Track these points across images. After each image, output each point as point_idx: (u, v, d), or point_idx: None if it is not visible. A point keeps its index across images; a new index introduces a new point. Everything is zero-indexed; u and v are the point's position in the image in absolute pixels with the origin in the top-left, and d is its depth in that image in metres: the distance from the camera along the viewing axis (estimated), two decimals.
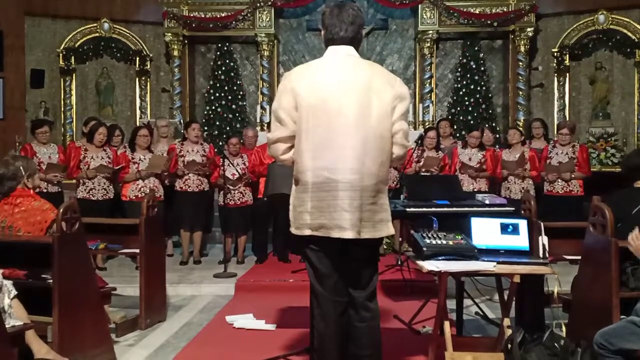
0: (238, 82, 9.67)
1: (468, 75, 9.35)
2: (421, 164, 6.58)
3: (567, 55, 9.17)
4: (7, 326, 2.91)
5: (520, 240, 3.38)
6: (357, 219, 2.57)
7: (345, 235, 2.57)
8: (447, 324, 3.24)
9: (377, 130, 2.62)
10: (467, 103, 9.29)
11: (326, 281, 2.69)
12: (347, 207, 2.56)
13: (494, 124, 8.93)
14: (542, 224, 3.49)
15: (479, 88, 9.31)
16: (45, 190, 5.95)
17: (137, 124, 9.24)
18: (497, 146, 7.32)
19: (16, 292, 3.15)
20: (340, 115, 2.59)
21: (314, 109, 2.60)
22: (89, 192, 6.12)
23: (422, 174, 6.52)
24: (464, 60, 9.45)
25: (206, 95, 9.71)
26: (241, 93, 9.68)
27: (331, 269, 2.69)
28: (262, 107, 9.46)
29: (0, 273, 3.17)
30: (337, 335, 2.69)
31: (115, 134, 6.73)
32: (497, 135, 7.00)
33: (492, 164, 6.69)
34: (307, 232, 2.64)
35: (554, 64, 9.25)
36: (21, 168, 3.72)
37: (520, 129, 7.67)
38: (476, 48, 9.45)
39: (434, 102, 9.40)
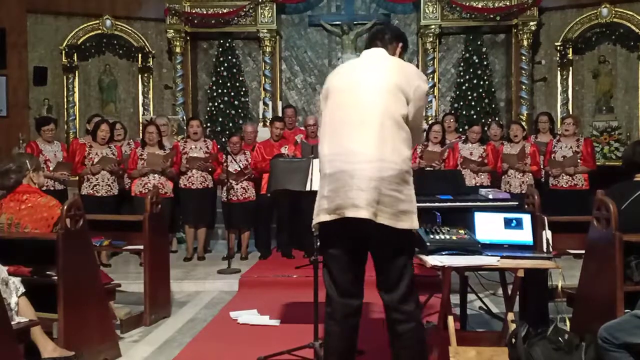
0: (240, 79, 9.67)
1: (471, 70, 9.33)
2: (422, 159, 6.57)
3: (570, 49, 9.15)
4: (13, 323, 2.93)
5: (524, 235, 3.38)
6: (373, 199, 2.46)
7: (359, 214, 2.45)
8: (450, 319, 3.24)
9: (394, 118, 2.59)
10: (470, 98, 9.27)
11: (339, 280, 2.63)
12: (364, 187, 2.47)
13: (496, 118, 8.91)
14: (545, 218, 3.48)
15: (481, 82, 9.29)
16: (52, 188, 5.98)
17: (140, 121, 9.28)
18: (504, 142, 7.26)
19: (24, 290, 3.17)
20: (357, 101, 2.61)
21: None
22: (93, 188, 6.14)
23: (426, 169, 6.51)
24: (467, 55, 9.43)
25: (208, 91, 9.71)
26: (243, 89, 9.68)
27: (346, 266, 2.62)
28: (265, 103, 9.47)
29: (5, 270, 3.18)
30: (343, 337, 2.66)
31: (117, 127, 6.75)
32: (503, 130, 6.96)
33: (493, 158, 6.68)
34: (323, 218, 2.56)
35: (557, 58, 9.23)
36: (27, 162, 3.74)
37: (523, 124, 7.65)
38: (479, 42, 9.43)
39: (436, 97, 9.39)
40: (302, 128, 7.70)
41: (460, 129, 8.28)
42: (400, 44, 2.81)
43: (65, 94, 9.54)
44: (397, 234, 2.54)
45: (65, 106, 9.55)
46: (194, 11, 9.30)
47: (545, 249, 3.36)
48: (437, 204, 3.96)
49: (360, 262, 2.68)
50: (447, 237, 3.14)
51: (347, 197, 2.49)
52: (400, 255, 2.61)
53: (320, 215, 2.58)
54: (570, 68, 9.23)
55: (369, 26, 9.93)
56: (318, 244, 3.82)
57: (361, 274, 2.69)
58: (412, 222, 2.56)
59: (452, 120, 7.53)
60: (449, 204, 4.04)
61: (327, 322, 2.69)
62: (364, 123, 2.54)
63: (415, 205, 2.60)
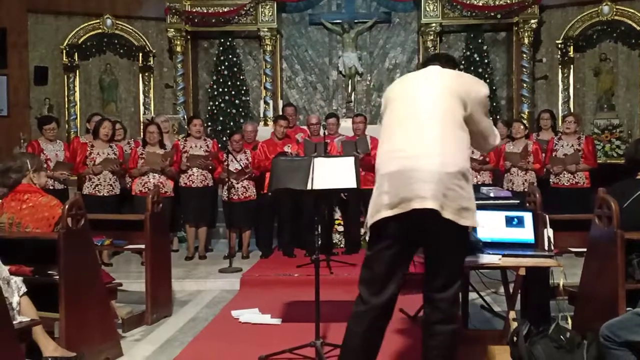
0: (241, 77, 9.66)
1: (472, 68, 9.30)
2: None
3: (572, 47, 9.14)
4: (14, 322, 2.93)
5: (526, 233, 3.38)
6: (439, 191, 2.43)
7: (426, 204, 2.42)
8: None
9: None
10: None
11: (381, 280, 2.57)
12: (428, 179, 2.44)
13: (497, 117, 8.90)
14: (547, 216, 3.48)
15: (482, 81, 9.26)
16: (51, 187, 5.97)
17: (141, 120, 9.28)
18: (509, 140, 7.23)
19: (26, 290, 3.17)
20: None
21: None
22: (95, 187, 6.14)
23: None
24: (468, 53, 9.41)
25: (209, 90, 9.71)
26: (244, 88, 9.68)
27: (394, 264, 2.57)
28: (265, 102, 9.47)
29: (7, 269, 3.19)
30: (366, 338, 2.62)
31: (116, 127, 6.76)
32: (508, 129, 6.92)
33: (495, 156, 6.67)
34: (385, 214, 2.50)
35: (558, 56, 9.22)
36: (28, 162, 3.73)
37: (525, 122, 7.64)
38: (480, 40, 9.41)
39: None
40: (303, 127, 7.71)
41: None
42: (456, 69, 2.93)
43: (66, 94, 9.55)
44: (458, 230, 2.51)
45: (66, 105, 9.55)
46: (194, 10, 9.29)
47: (546, 247, 3.36)
48: None
49: (408, 262, 2.65)
50: None
51: (411, 189, 2.45)
52: (458, 254, 2.62)
53: (382, 211, 2.52)
54: (572, 66, 9.22)
55: (369, 24, 9.94)
56: (319, 242, 3.83)
57: (403, 275, 2.63)
58: (473, 220, 2.54)
59: None
60: None
61: (352, 321, 2.64)
62: (425, 121, 2.56)
63: (475, 203, 2.57)
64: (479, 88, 2.71)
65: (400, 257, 2.60)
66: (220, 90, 9.54)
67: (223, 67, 9.58)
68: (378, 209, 2.54)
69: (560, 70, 9.25)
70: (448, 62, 2.89)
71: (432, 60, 2.90)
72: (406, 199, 2.46)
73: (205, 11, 9.31)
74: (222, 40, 9.63)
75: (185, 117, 8.84)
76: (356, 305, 2.65)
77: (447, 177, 2.46)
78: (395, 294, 2.62)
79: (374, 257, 2.61)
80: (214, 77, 9.64)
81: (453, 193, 2.46)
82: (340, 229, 7.00)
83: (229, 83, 9.55)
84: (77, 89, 9.60)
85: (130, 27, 9.62)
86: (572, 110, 8.90)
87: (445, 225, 2.46)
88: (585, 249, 3.48)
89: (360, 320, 2.61)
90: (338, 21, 9.97)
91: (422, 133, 2.54)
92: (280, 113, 8.00)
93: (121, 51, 9.83)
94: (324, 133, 6.40)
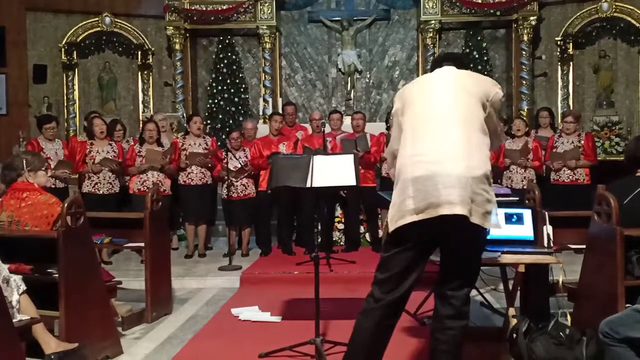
0: (240, 75, 9.65)
1: (471, 65, 9.27)
2: None
3: (571, 44, 9.14)
4: (14, 321, 2.93)
5: (525, 230, 3.38)
6: (467, 197, 2.43)
7: (455, 210, 2.41)
8: None
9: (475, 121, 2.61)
10: None
11: (398, 280, 2.57)
12: (455, 184, 2.43)
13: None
14: (546, 213, 3.48)
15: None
16: (52, 186, 5.97)
17: (140, 118, 9.27)
18: (508, 137, 7.21)
19: (25, 288, 3.17)
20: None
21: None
22: (94, 186, 6.14)
23: None
24: (467, 50, 9.41)
25: (208, 88, 9.70)
26: (243, 86, 9.67)
27: (413, 266, 2.57)
28: (265, 100, 9.46)
29: (6, 268, 3.19)
30: (376, 335, 2.61)
31: (117, 128, 6.75)
32: (510, 126, 6.90)
33: (494, 153, 6.66)
34: (410, 219, 2.48)
35: (558, 53, 9.22)
36: (24, 161, 3.73)
37: (525, 119, 7.64)
38: (479, 37, 9.41)
39: None
40: (303, 125, 7.70)
41: None
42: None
43: (65, 92, 9.54)
44: (481, 233, 2.55)
45: (65, 104, 9.55)
46: (193, 8, 9.28)
47: (546, 244, 3.36)
48: None
49: (424, 264, 2.65)
50: None
51: (439, 195, 2.44)
52: (479, 256, 2.67)
53: (406, 216, 2.50)
54: (571, 63, 9.22)
55: (368, 22, 9.93)
56: (319, 240, 3.83)
57: (417, 277, 2.62)
58: (490, 223, 2.55)
59: None
60: None
61: (361, 317, 2.64)
62: (448, 124, 2.55)
63: (496, 205, 2.59)
64: (497, 90, 2.72)
65: (418, 259, 2.60)
66: (220, 88, 9.52)
67: (222, 65, 9.56)
68: (402, 214, 2.52)
69: (559, 68, 9.25)
70: (462, 63, 2.87)
71: (445, 60, 2.86)
72: (433, 205, 2.45)
73: (204, 9, 9.30)
74: (221, 38, 9.61)
75: (185, 115, 8.83)
76: (367, 302, 2.65)
77: (473, 181, 2.46)
78: (408, 293, 2.62)
79: (390, 259, 2.60)
80: (213, 75, 9.63)
81: (480, 198, 2.48)
82: (341, 226, 7.00)
83: (228, 81, 9.54)
84: (76, 87, 9.59)
85: (129, 25, 9.61)
86: (571, 108, 8.89)
87: (470, 230, 2.49)
88: (584, 246, 3.48)
89: (370, 316, 2.61)
90: (337, 19, 9.96)
91: (446, 136, 2.53)
92: (280, 111, 8.00)
93: (120, 49, 9.82)
94: (324, 131, 6.38)
